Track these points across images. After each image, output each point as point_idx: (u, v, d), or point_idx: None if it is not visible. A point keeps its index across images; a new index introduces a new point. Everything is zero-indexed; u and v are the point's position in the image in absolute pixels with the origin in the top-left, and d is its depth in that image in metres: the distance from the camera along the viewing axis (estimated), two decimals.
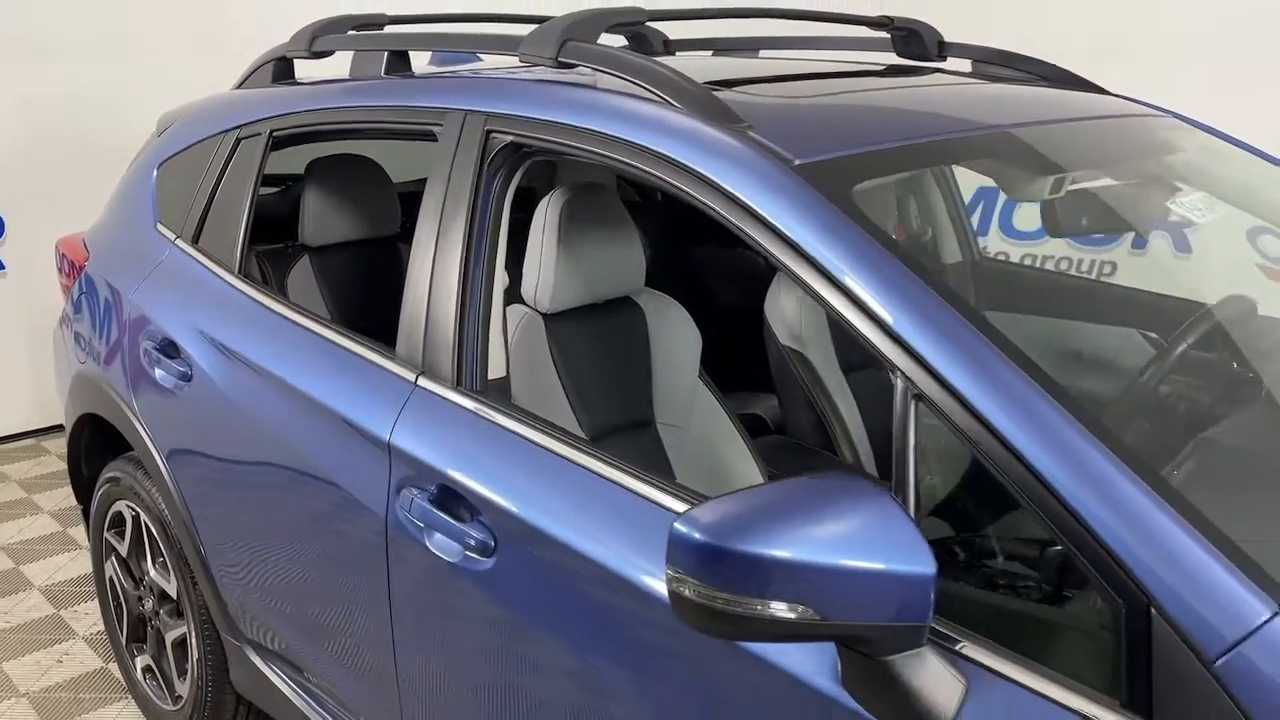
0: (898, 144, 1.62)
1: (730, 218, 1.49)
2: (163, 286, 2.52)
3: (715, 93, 1.67)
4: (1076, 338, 2.47)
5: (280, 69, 2.58)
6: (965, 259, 2.81)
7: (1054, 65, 2.43)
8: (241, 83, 2.71)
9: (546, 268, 2.01)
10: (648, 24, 2.62)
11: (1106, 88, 2.38)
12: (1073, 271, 3.77)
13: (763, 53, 2.77)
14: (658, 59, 1.80)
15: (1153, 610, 1.05)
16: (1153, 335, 2.33)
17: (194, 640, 2.55)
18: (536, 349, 2.06)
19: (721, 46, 2.75)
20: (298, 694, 2.29)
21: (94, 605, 3.39)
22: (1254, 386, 1.89)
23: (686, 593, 1.12)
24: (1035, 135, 1.81)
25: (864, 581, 1.09)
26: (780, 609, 1.10)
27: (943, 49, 2.49)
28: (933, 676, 1.15)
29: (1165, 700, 1.04)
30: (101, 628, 3.25)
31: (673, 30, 2.64)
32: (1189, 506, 1.10)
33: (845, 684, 1.21)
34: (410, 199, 2.27)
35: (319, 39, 2.42)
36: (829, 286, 1.36)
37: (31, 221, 4.56)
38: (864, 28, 2.55)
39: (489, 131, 1.86)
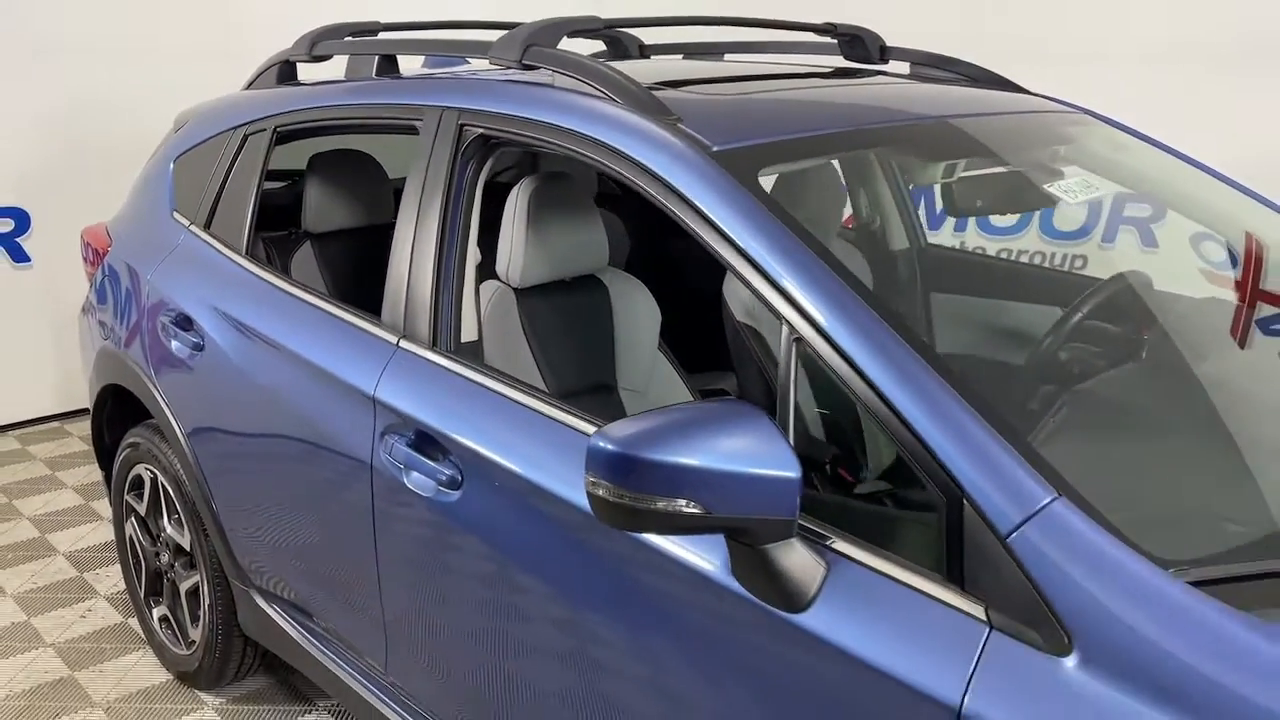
0: (804, 134, 1.89)
1: (659, 197, 1.75)
2: (178, 268, 2.80)
3: (655, 91, 1.93)
4: (1005, 314, 2.72)
5: (284, 71, 2.86)
6: (911, 245, 3.06)
7: (982, 68, 2.68)
8: (250, 84, 2.99)
9: (517, 246, 2.27)
10: (625, 30, 2.92)
11: (1025, 87, 2.64)
12: (1047, 264, 4.03)
13: (728, 56, 3.03)
14: (609, 63, 2.06)
15: (963, 500, 1.30)
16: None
17: (205, 588, 2.83)
18: (508, 319, 2.33)
19: (691, 51, 3.01)
20: (300, 632, 2.56)
21: (115, 569, 3.66)
22: (1136, 347, 2.15)
23: (601, 494, 1.38)
24: (937, 128, 2.07)
25: (743, 483, 1.35)
26: (677, 505, 1.36)
27: (884, 53, 2.75)
28: (800, 561, 1.41)
29: (974, 571, 1.30)
30: (121, 587, 3.54)
31: (653, 34, 2.91)
32: (995, 415, 1.36)
33: (733, 571, 1.47)
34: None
35: (318, 44, 2.70)
36: (733, 252, 1.62)
37: (56, 216, 4.85)
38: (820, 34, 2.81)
39: (462, 125, 2.13)
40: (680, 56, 3.01)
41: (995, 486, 1.29)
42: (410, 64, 2.73)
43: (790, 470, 1.35)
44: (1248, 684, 1.12)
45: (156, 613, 3.11)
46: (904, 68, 2.75)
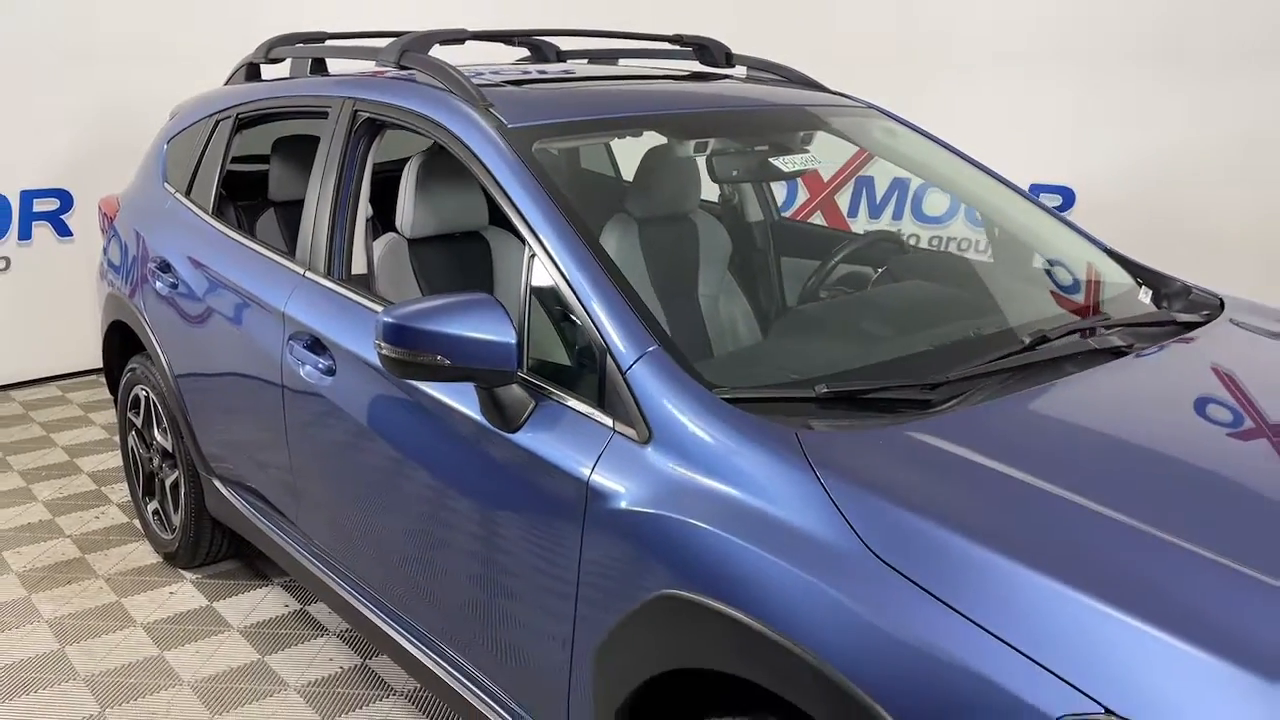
0: (578, 118, 2.58)
1: (470, 164, 2.43)
2: (164, 226, 3.56)
3: (484, 87, 2.62)
4: (825, 271, 3.38)
5: (250, 71, 3.60)
6: (765, 219, 3.72)
7: (799, 71, 3.34)
8: (228, 81, 3.74)
9: (407, 204, 2.96)
10: (543, 39, 3.60)
11: (829, 86, 3.30)
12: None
13: (623, 61, 3.70)
14: (454, 65, 2.72)
15: (608, 351, 1.97)
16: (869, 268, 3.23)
17: (183, 481, 3.57)
18: (401, 263, 3.02)
19: (595, 56, 3.68)
20: (249, 509, 3.28)
21: (126, 486, 4.44)
22: (875, 281, 2.83)
23: (384, 352, 2.07)
24: (696, 115, 2.75)
25: (477, 344, 2.02)
26: (434, 359, 2.04)
27: (730, 59, 3.41)
28: (516, 399, 2.09)
29: (610, 396, 1.97)
30: (130, 499, 4.31)
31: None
32: (638, 301, 2.03)
33: (480, 409, 2.16)
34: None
35: (272, 50, 3.43)
36: (504, 198, 2.30)
37: (94, 197, 5.63)
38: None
39: (355, 111, 2.84)
40: (586, 60, 3.70)
41: (622, 340, 1.97)
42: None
43: (508, 338, 2.03)
44: (732, 452, 1.79)
45: (150, 507, 3.87)
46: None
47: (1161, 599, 1.44)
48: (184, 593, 3.65)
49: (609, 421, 1.97)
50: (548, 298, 2.20)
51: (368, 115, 2.82)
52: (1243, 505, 1.73)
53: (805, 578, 1.59)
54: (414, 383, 2.31)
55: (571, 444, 2.01)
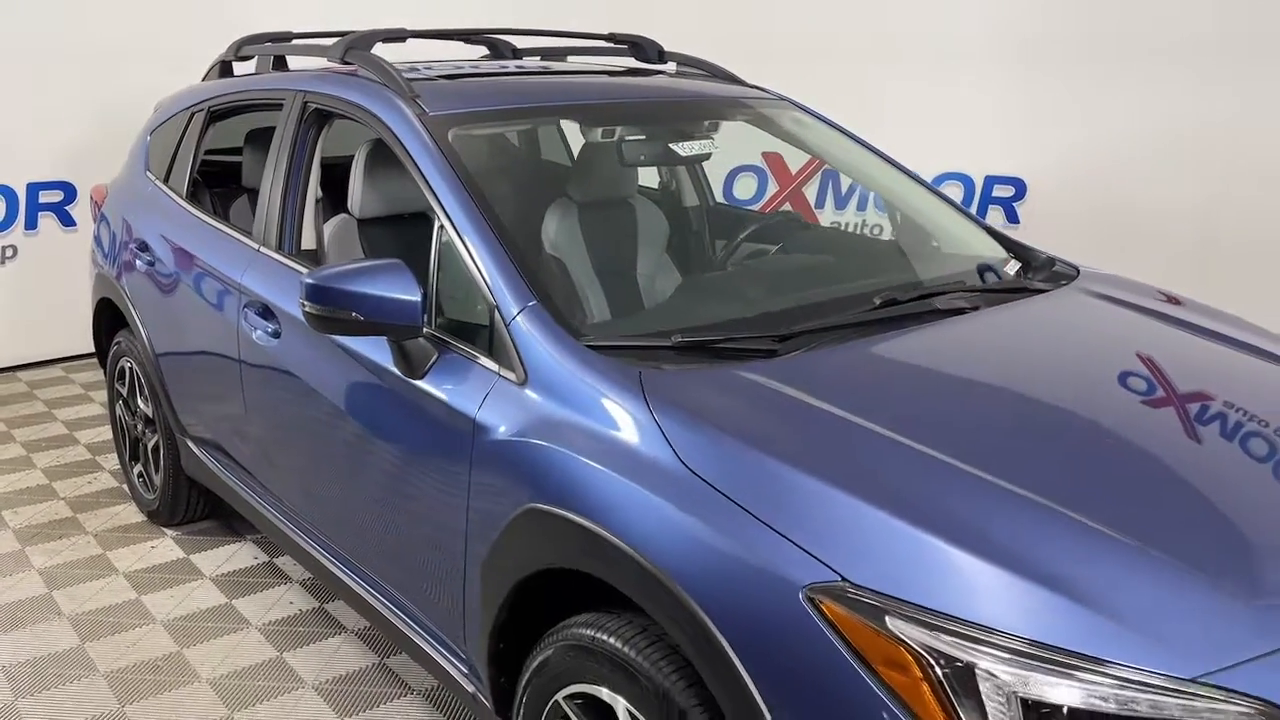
0: (493, 107, 2.89)
1: (395, 148, 2.74)
2: (144, 210, 3.89)
3: (414, 81, 2.92)
4: (732, 246, 3.67)
5: (224, 68, 3.93)
6: (701, 204, 4.02)
7: (722, 67, 3.64)
8: (204, 78, 4.07)
9: (356, 187, 3.27)
10: (500, 38, 3.90)
11: (746, 80, 3.60)
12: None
13: (571, 58, 4.01)
14: (390, 62, 3.02)
15: (496, 307, 2.28)
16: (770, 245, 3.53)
17: (162, 443, 3.91)
18: (351, 240, 3.32)
19: (547, 54, 3.99)
20: (216, 465, 3.61)
21: (118, 457, 4.78)
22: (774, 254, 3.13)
23: (308, 309, 2.39)
24: (606, 105, 3.06)
25: (386, 302, 2.33)
26: (349, 315, 2.35)
27: (662, 55, 3.72)
28: (421, 350, 2.41)
29: (497, 345, 2.27)
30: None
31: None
32: (523, 264, 2.34)
33: (392, 359, 2.47)
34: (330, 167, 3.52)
35: (242, 48, 3.76)
36: (421, 179, 2.61)
37: None
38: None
39: (305, 103, 3.16)
40: (540, 57, 4.01)
41: (507, 296, 2.28)
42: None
43: (414, 296, 2.33)
44: (587, 387, 2.09)
45: (135, 470, 4.21)
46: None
47: (904, 496, 1.73)
48: (164, 547, 3.99)
49: (495, 367, 2.28)
50: (452, 263, 2.50)
51: (316, 106, 3.14)
52: (1008, 431, 2.03)
53: (633, 487, 1.90)
54: (338, 339, 2.62)
55: (465, 387, 2.32)
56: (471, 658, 2.40)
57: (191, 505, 4.02)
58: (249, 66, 3.89)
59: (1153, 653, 1.49)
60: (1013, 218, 6.30)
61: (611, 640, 1.94)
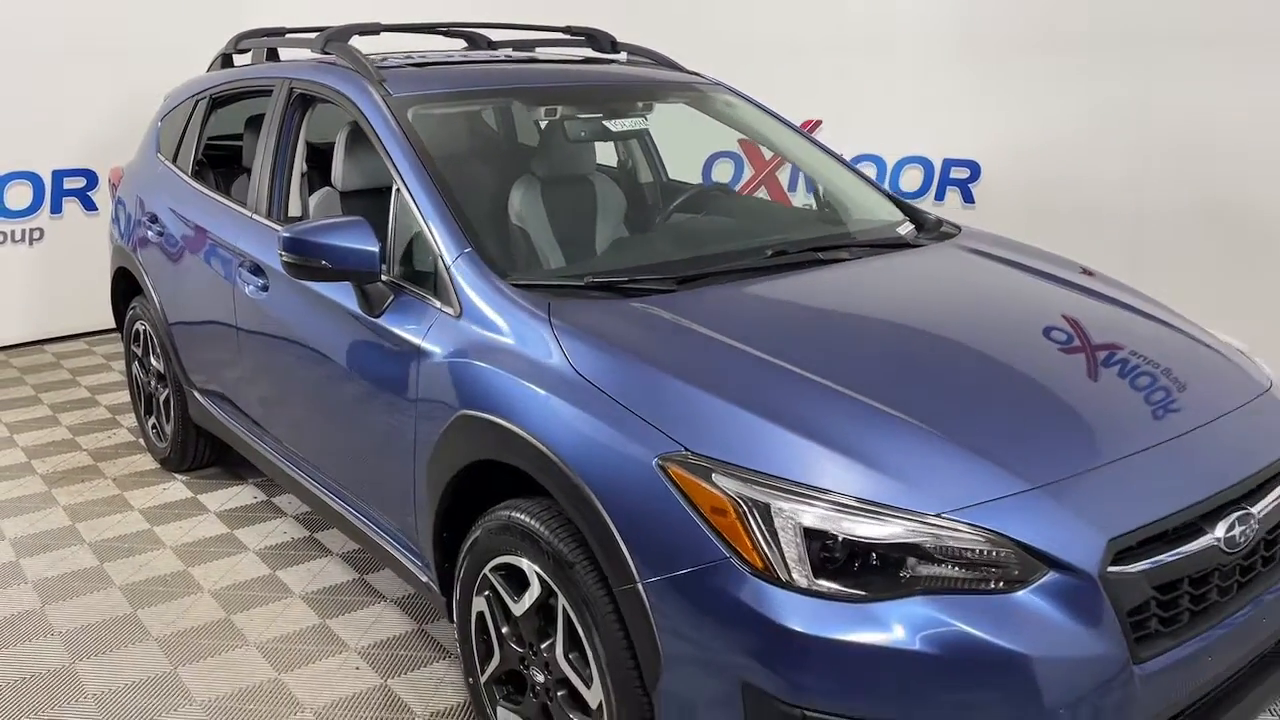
0: (451, 90, 3.35)
1: (363, 125, 3.20)
2: (155, 187, 4.37)
3: (383, 67, 3.38)
4: (666, 214, 4.10)
5: (225, 60, 4.41)
6: (655, 180, 4.46)
7: (667, 56, 4.08)
8: (208, 69, 4.54)
9: (338, 163, 3.72)
10: (477, 32, 4.35)
11: (687, 67, 4.04)
12: None
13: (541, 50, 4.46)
14: (363, 52, 3.48)
15: (440, 254, 2.73)
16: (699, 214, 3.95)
17: (171, 395, 4.39)
18: (333, 209, 3.78)
19: (518, 45, 4.43)
20: (217, 409, 4.08)
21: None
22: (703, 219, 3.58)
23: (284, 258, 2.85)
24: (553, 88, 3.51)
25: (348, 251, 2.78)
26: (319, 263, 2.81)
27: (615, 46, 4.16)
28: (380, 292, 2.86)
29: (440, 285, 2.71)
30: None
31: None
32: (462, 218, 2.79)
33: (357, 302, 2.93)
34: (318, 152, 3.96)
35: (240, 42, 4.24)
36: (384, 153, 3.07)
37: None
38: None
39: (291, 88, 3.63)
40: (511, 48, 4.46)
41: (448, 244, 2.74)
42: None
43: (372, 247, 2.78)
44: (507, 315, 2.54)
45: (149, 422, 4.69)
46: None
47: (743, 389, 2.18)
48: (174, 489, 4.47)
49: (439, 304, 2.74)
50: (406, 220, 2.95)
51: (300, 91, 3.60)
52: (847, 345, 2.48)
53: (537, 391, 2.35)
54: (313, 287, 3.08)
55: (413, 322, 2.77)
56: (423, 550, 2.86)
57: (199, 452, 4.49)
58: (248, 59, 4.35)
59: (908, 494, 1.94)
60: (968, 198, 6.74)
61: (523, 517, 2.39)
